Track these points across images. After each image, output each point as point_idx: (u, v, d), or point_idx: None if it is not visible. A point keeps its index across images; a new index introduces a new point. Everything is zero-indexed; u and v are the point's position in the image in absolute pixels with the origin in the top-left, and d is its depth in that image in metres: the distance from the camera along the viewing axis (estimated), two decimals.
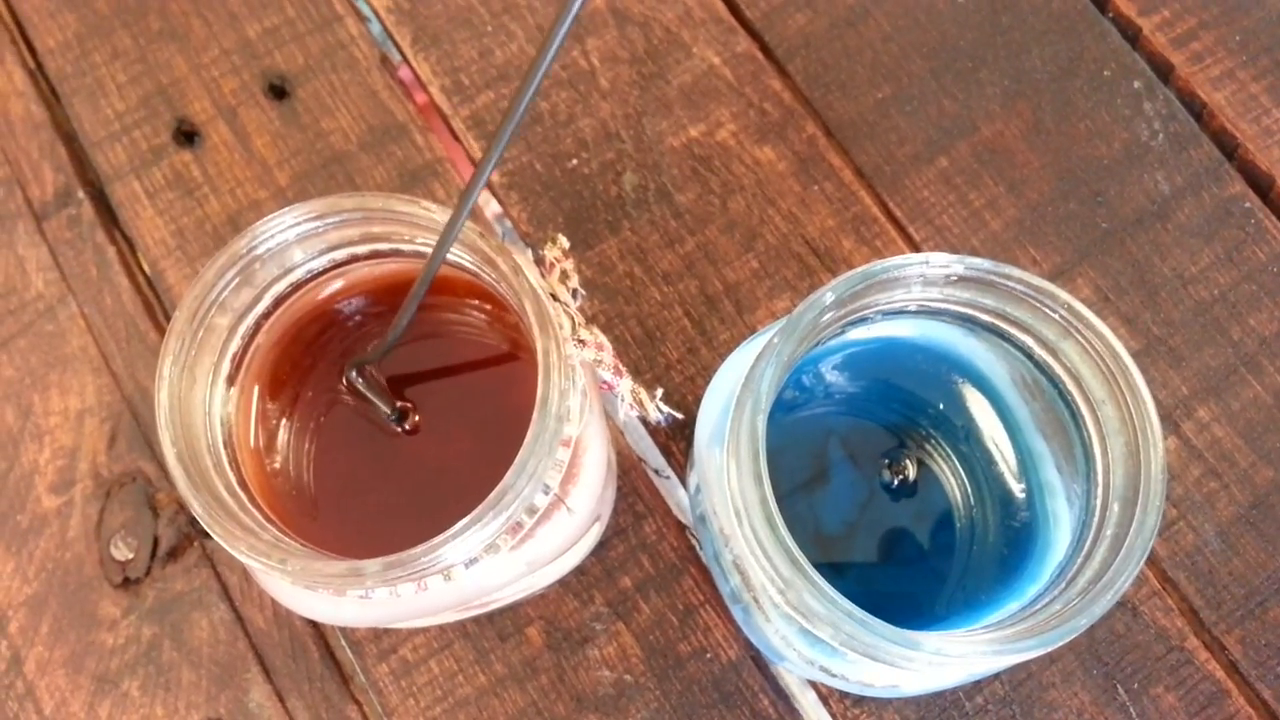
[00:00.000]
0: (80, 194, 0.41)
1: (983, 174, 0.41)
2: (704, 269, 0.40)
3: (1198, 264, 0.40)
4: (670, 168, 0.41)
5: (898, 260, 0.26)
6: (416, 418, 0.31)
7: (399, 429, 0.30)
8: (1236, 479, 0.37)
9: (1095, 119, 0.41)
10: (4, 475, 0.38)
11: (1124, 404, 0.25)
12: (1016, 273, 0.26)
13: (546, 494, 0.27)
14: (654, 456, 0.39)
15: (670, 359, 0.39)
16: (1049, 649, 0.23)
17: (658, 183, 0.41)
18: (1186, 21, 0.43)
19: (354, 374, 0.29)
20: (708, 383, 0.31)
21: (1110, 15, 0.43)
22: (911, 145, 0.41)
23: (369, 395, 0.30)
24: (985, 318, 0.27)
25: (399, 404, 0.31)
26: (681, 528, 0.37)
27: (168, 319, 0.40)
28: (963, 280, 0.26)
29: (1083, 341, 0.26)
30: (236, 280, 0.27)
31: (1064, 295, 0.26)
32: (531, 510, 0.27)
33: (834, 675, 0.29)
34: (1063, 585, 0.26)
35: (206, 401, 0.27)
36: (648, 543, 0.37)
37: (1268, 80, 0.42)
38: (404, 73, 0.43)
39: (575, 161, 0.41)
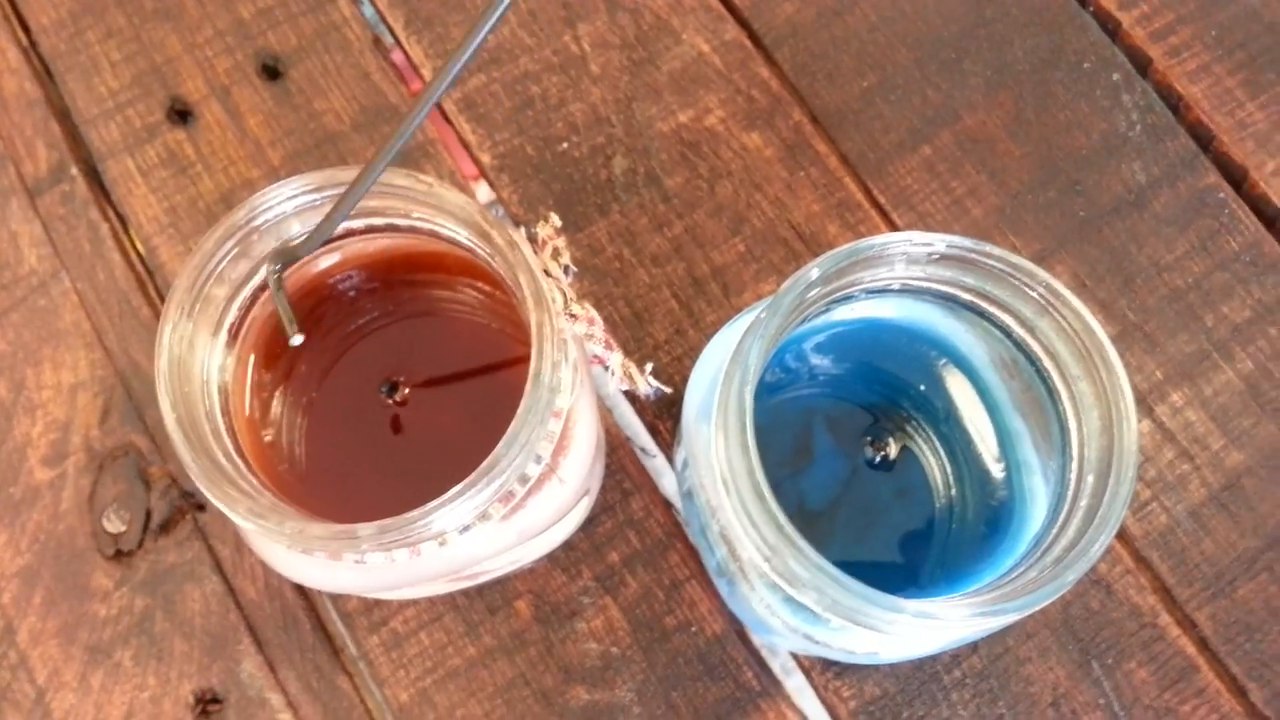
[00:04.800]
0: (73, 170, 0.42)
1: (965, 162, 0.42)
2: (691, 252, 0.41)
3: (1173, 252, 0.41)
4: (659, 152, 0.42)
5: (882, 238, 0.26)
6: (406, 390, 0.31)
7: (389, 400, 0.31)
8: (1208, 462, 0.38)
9: (1075, 110, 0.42)
10: None
11: (1099, 379, 0.26)
12: (997, 251, 0.26)
13: (538, 464, 0.28)
14: (641, 436, 0.39)
15: (658, 339, 0.40)
16: (1029, 612, 0.24)
17: (647, 167, 0.42)
18: (1165, 16, 0.43)
19: (276, 268, 0.27)
20: (694, 363, 0.32)
21: (1091, 9, 0.44)
22: (895, 133, 0.42)
23: (276, 300, 0.28)
24: (966, 296, 0.28)
25: (391, 379, 0.31)
26: (668, 505, 0.38)
27: (160, 295, 0.40)
28: (945, 258, 0.27)
29: (1059, 319, 0.27)
30: (235, 251, 0.28)
31: (1042, 274, 0.27)
32: (524, 479, 0.27)
33: (817, 643, 0.30)
34: (1038, 555, 0.26)
35: (204, 370, 0.28)
36: (635, 519, 0.38)
37: (1243, 74, 0.43)
38: (397, 56, 0.44)
39: (566, 145, 0.42)
